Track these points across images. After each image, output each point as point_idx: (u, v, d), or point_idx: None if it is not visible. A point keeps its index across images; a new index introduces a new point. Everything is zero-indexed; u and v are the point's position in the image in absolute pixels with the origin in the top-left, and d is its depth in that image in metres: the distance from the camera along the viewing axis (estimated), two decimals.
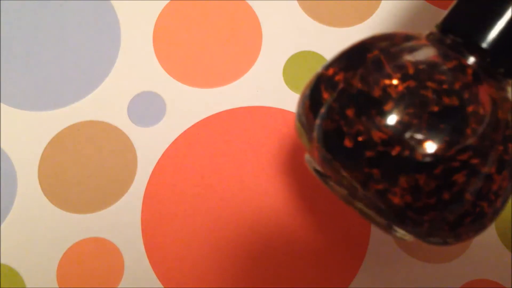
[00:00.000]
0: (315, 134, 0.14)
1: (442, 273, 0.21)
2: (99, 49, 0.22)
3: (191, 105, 0.22)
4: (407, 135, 0.12)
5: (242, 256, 0.21)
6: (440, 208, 0.13)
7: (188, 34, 0.23)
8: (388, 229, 0.16)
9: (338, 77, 0.14)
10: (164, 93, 0.22)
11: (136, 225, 0.21)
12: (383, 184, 0.13)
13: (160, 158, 0.22)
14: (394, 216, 0.13)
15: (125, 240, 0.21)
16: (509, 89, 0.14)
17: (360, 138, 0.13)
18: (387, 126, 0.12)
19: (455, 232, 0.13)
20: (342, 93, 0.13)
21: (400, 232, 0.15)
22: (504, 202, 0.13)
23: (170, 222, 0.21)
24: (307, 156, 0.17)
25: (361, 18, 0.23)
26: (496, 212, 0.13)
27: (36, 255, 0.21)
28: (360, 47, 0.14)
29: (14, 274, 0.21)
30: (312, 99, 0.14)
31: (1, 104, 0.22)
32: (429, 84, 0.13)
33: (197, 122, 0.22)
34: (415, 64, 0.13)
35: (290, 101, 0.22)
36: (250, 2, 0.23)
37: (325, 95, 0.14)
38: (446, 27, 0.14)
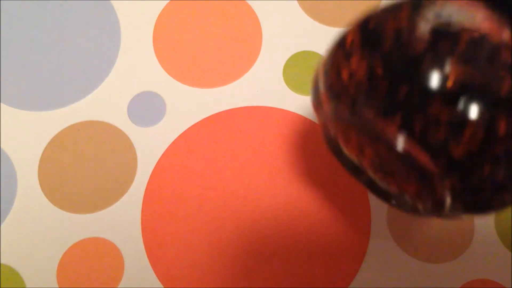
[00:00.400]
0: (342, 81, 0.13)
1: (442, 273, 0.21)
2: (99, 49, 0.22)
3: (191, 105, 0.22)
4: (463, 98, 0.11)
5: (242, 256, 0.21)
6: (471, 161, 0.12)
7: (188, 34, 0.23)
8: (400, 203, 0.15)
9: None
10: (164, 93, 0.22)
11: (136, 225, 0.21)
12: (419, 120, 0.12)
13: (160, 158, 0.22)
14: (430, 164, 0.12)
15: (125, 240, 0.21)
16: None
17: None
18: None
19: (476, 199, 0.13)
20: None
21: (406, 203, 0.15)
22: None
23: (170, 222, 0.21)
24: (324, 130, 0.16)
25: None
26: None
27: (36, 255, 0.21)
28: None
29: (14, 274, 0.21)
30: (340, 45, 0.14)
31: (1, 104, 0.22)
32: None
33: (197, 122, 0.22)
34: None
35: (290, 101, 0.22)
36: (250, 2, 0.23)
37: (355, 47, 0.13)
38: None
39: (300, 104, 0.22)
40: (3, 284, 0.21)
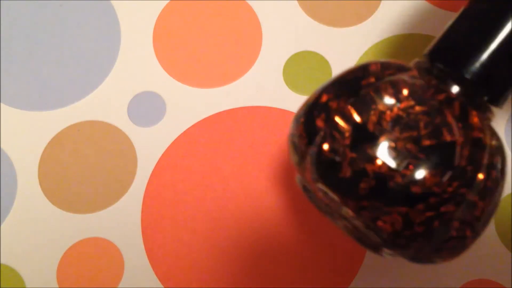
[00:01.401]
0: (308, 158, 0.14)
1: (442, 273, 0.21)
2: (99, 49, 0.22)
3: (191, 105, 0.22)
4: (399, 167, 0.13)
5: (242, 256, 0.21)
6: (428, 236, 0.13)
7: (188, 34, 0.23)
8: (375, 250, 0.16)
9: (332, 105, 0.14)
10: (164, 93, 0.22)
11: (136, 225, 0.21)
12: (375, 213, 0.13)
13: (160, 158, 0.22)
14: (382, 241, 0.14)
15: (125, 240, 0.21)
16: (491, 117, 0.15)
17: (353, 170, 0.13)
18: (380, 159, 0.13)
19: (439, 254, 0.14)
20: (335, 124, 0.14)
21: (387, 252, 0.16)
22: (485, 225, 0.14)
23: (170, 222, 0.21)
24: (298, 176, 0.17)
25: (361, 18, 0.23)
26: (478, 234, 0.14)
27: (36, 255, 0.21)
28: (353, 75, 0.15)
29: (14, 274, 0.21)
30: (307, 125, 0.15)
31: (1, 104, 0.22)
32: (420, 117, 0.13)
33: (197, 122, 0.22)
34: (406, 98, 0.14)
35: (290, 101, 0.22)
36: (250, 2, 0.23)
37: (319, 123, 0.14)
38: (433, 56, 0.15)
39: (300, 104, 0.22)
40: (3, 284, 0.21)
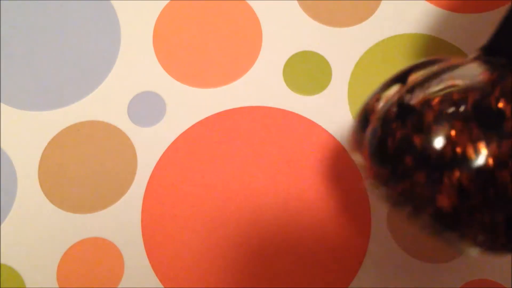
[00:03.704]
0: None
1: (442, 273, 0.21)
2: (99, 49, 0.22)
3: (191, 105, 0.22)
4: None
5: (242, 256, 0.21)
6: None
7: (188, 34, 0.23)
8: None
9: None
10: (164, 93, 0.22)
11: (136, 225, 0.21)
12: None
13: (160, 158, 0.22)
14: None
15: (125, 240, 0.21)
16: None
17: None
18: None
19: None
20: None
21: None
22: None
23: (170, 222, 0.21)
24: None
25: (361, 18, 0.23)
26: None
27: (36, 255, 0.21)
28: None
29: (14, 274, 0.21)
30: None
31: (1, 104, 0.22)
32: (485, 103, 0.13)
33: (197, 122, 0.22)
34: (468, 89, 0.14)
35: (290, 101, 0.22)
36: (250, 2, 0.23)
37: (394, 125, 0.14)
38: (491, 48, 0.15)
39: (300, 104, 0.22)
40: (3, 284, 0.21)
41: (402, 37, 0.23)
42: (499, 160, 0.13)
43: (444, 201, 0.13)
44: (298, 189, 0.21)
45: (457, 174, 0.13)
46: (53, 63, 0.22)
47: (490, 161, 0.13)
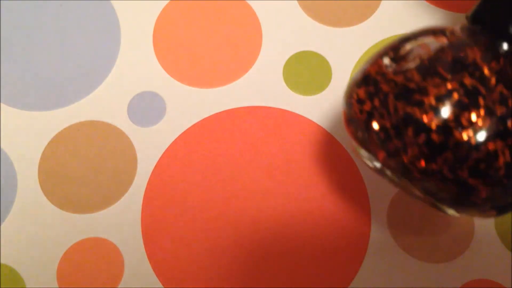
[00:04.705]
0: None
1: (442, 273, 0.21)
2: (99, 49, 0.22)
3: (191, 105, 0.22)
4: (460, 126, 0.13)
5: (242, 256, 0.21)
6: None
7: (188, 34, 0.23)
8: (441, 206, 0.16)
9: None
10: (164, 93, 0.22)
11: (136, 225, 0.21)
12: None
13: (160, 158, 0.22)
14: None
15: (125, 240, 0.21)
16: None
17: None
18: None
19: None
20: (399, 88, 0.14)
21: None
22: None
23: (170, 222, 0.21)
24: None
25: (361, 18, 0.23)
26: None
27: (36, 255, 0.21)
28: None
29: (14, 274, 0.21)
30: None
31: (1, 104, 0.22)
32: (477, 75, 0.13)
33: (197, 122, 0.22)
34: (461, 60, 0.14)
35: (290, 101, 0.22)
36: (250, 2, 0.23)
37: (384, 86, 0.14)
38: (477, 18, 0.15)
39: (300, 104, 0.22)
40: (3, 284, 0.21)
41: None
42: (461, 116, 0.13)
43: (409, 153, 0.14)
44: (298, 189, 0.21)
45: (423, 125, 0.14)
46: (53, 63, 0.22)
47: (451, 116, 0.13)
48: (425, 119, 0.14)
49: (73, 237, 0.21)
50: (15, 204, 0.21)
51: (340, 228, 0.21)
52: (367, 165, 0.17)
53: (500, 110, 0.13)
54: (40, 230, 0.21)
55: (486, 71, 0.14)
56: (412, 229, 0.21)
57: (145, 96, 0.22)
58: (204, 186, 0.21)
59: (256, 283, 0.21)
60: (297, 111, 0.22)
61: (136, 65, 0.22)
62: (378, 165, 0.15)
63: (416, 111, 0.14)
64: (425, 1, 0.23)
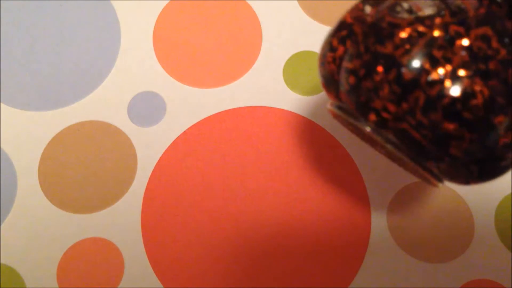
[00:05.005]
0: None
1: (442, 273, 0.21)
2: (99, 49, 0.22)
3: (191, 105, 0.22)
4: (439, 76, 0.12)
5: (242, 256, 0.21)
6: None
7: (188, 34, 0.23)
8: (421, 168, 0.15)
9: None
10: (164, 93, 0.22)
11: (136, 225, 0.21)
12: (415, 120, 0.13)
13: (160, 158, 0.22)
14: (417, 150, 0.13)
15: (125, 240, 0.21)
16: None
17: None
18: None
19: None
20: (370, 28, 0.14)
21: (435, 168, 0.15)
22: None
23: (170, 222, 0.21)
24: (331, 103, 0.17)
25: None
26: None
27: (36, 255, 0.21)
28: None
29: (14, 274, 0.21)
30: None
31: (1, 104, 0.22)
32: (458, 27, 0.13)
33: (197, 122, 0.22)
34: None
35: (290, 101, 0.22)
36: (250, 2, 0.23)
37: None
38: None
39: (300, 104, 0.22)
40: (3, 284, 0.21)
41: None
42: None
43: (378, 105, 0.13)
44: (298, 189, 0.21)
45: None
46: (53, 63, 0.22)
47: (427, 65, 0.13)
48: (396, 54, 0.13)
49: (73, 237, 0.21)
50: (15, 204, 0.21)
51: (340, 228, 0.21)
52: (349, 130, 0.17)
53: (481, 51, 0.13)
54: (40, 230, 0.21)
55: (467, 8, 0.13)
56: (412, 229, 0.21)
57: (145, 96, 0.22)
58: (204, 186, 0.21)
59: (256, 283, 0.21)
60: (297, 111, 0.22)
61: (136, 65, 0.22)
62: (358, 124, 0.15)
63: (387, 47, 0.13)
64: None
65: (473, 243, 0.21)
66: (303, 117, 0.22)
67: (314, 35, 0.23)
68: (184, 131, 0.22)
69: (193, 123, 0.22)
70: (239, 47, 0.23)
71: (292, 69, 0.22)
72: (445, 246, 0.21)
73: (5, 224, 0.21)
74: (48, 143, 0.22)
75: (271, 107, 0.22)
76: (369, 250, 0.21)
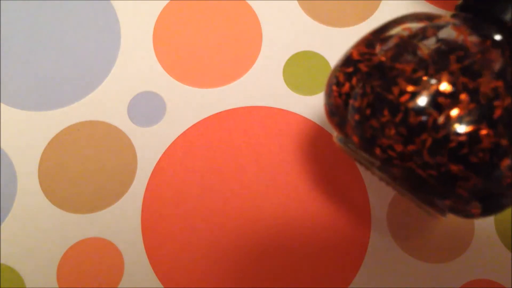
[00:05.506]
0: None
1: (442, 273, 0.21)
2: (99, 49, 0.22)
3: (191, 105, 0.22)
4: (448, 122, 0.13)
5: (242, 256, 0.21)
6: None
7: (188, 34, 0.23)
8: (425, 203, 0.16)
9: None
10: (164, 93, 0.22)
11: (136, 225, 0.21)
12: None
13: (160, 158, 0.22)
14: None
15: (125, 240, 0.21)
16: None
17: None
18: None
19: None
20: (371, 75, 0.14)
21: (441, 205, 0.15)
22: None
23: (170, 222, 0.21)
24: (336, 135, 0.17)
25: (361, 18, 0.23)
26: None
27: (36, 255, 0.21)
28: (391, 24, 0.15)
29: (14, 274, 0.21)
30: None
31: (1, 104, 0.22)
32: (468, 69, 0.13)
33: (197, 122, 0.22)
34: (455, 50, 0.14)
35: (290, 101, 0.22)
36: (250, 2, 0.23)
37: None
38: (465, 6, 0.15)
39: (300, 104, 0.22)
40: (3, 284, 0.21)
41: None
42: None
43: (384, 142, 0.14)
44: (298, 189, 0.21)
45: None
46: (53, 63, 0.22)
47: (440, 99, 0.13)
48: (401, 100, 0.13)
49: (73, 237, 0.21)
50: (15, 204, 0.21)
51: (340, 228, 0.21)
52: (357, 161, 0.17)
53: (486, 96, 0.13)
54: (40, 230, 0.21)
55: (471, 52, 0.13)
56: (412, 229, 0.21)
57: (145, 96, 0.22)
58: (204, 186, 0.21)
59: (256, 283, 0.21)
60: (297, 111, 0.22)
61: (136, 65, 0.22)
62: (366, 157, 0.15)
63: (393, 92, 0.13)
64: (425, 1, 0.23)
65: (473, 243, 0.21)
66: (303, 117, 0.22)
67: (314, 35, 0.23)
68: (184, 131, 0.22)
69: (193, 123, 0.22)
70: (239, 47, 0.23)
71: (292, 69, 0.22)
72: (445, 246, 0.21)
73: (5, 224, 0.21)
74: (48, 143, 0.22)
75: (271, 107, 0.22)
76: (369, 250, 0.21)
